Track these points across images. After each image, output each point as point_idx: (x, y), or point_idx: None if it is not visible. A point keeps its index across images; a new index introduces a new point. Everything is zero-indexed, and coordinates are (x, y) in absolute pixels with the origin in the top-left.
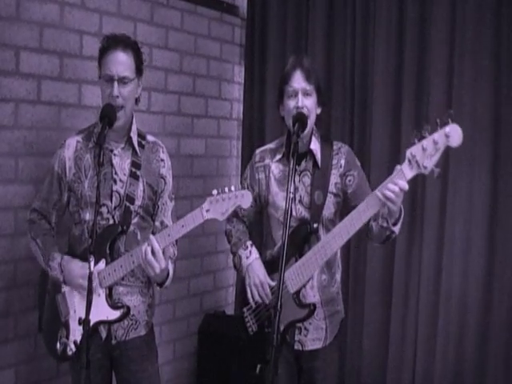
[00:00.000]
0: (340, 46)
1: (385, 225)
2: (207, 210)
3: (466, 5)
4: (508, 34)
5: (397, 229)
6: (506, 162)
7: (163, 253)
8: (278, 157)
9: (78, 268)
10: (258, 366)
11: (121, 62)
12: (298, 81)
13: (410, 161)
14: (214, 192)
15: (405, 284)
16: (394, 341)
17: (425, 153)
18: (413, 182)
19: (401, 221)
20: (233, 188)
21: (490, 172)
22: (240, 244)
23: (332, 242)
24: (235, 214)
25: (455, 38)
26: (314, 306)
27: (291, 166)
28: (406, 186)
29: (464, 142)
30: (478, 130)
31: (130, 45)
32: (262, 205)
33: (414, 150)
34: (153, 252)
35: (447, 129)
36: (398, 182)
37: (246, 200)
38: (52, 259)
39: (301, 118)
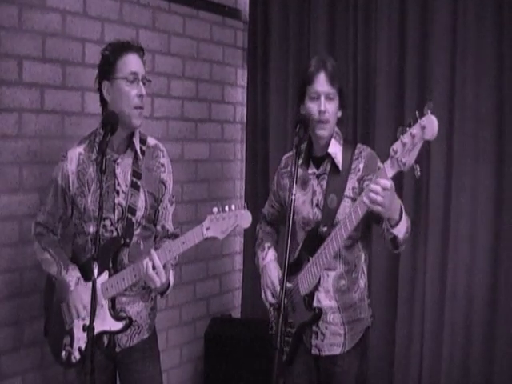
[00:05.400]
0: (342, 48)
1: (385, 227)
2: (207, 228)
3: (467, 6)
4: (510, 32)
5: (397, 231)
6: (511, 159)
7: (164, 267)
8: (301, 161)
9: (86, 296)
10: None
11: (140, 64)
12: (322, 84)
13: (391, 158)
14: (215, 210)
15: (410, 282)
16: (401, 339)
17: (404, 148)
18: (417, 179)
19: (402, 223)
20: (233, 207)
21: (495, 169)
22: (260, 245)
23: (329, 244)
24: (263, 217)
25: (457, 39)
26: (320, 310)
27: (294, 166)
28: (387, 185)
29: (468, 139)
30: (482, 128)
31: (142, 50)
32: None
33: (396, 146)
34: (153, 267)
35: (423, 120)
36: (380, 181)
37: (245, 220)
38: (73, 268)
39: (302, 120)
